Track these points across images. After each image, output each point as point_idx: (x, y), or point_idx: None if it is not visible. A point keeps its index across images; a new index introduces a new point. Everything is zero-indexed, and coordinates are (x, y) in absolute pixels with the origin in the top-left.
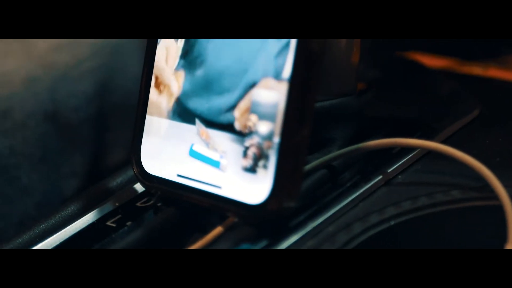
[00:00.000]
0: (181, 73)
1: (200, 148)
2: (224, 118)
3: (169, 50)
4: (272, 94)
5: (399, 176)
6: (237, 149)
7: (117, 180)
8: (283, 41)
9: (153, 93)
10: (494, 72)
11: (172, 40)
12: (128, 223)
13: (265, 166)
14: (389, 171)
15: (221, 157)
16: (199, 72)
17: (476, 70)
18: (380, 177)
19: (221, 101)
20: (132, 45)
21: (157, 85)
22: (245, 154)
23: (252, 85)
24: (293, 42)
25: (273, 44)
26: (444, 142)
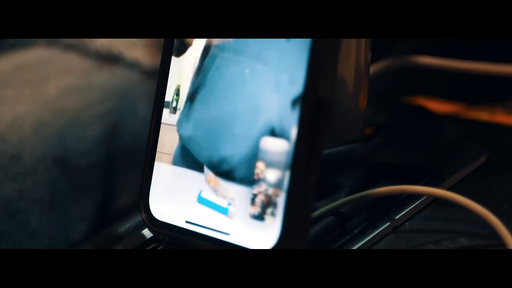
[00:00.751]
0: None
1: (208, 195)
2: (236, 168)
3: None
4: (280, 142)
5: (407, 223)
6: (245, 196)
7: (125, 226)
8: (291, 88)
9: None
10: (501, 118)
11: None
12: None
13: (273, 214)
14: (396, 217)
15: (229, 204)
16: (207, 119)
17: (483, 115)
18: (388, 223)
19: (233, 150)
20: (141, 89)
21: None
22: (253, 202)
23: (266, 132)
24: (301, 87)
25: (281, 92)
26: (451, 188)
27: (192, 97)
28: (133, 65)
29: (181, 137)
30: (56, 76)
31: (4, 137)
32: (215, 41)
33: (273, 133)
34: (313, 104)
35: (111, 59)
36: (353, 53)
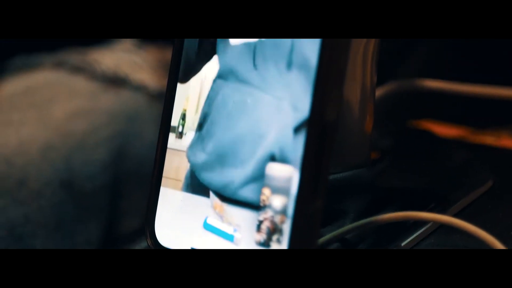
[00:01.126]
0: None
1: (214, 221)
2: (238, 192)
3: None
4: (285, 168)
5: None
6: (251, 222)
7: None
8: (296, 114)
9: None
10: (507, 142)
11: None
12: None
13: (278, 240)
14: (402, 244)
15: (235, 230)
16: (213, 144)
17: (489, 139)
18: None
19: (235, 174)
20: (147, 112)
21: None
22: (258, 228)
23: (267, 158)
24: (306, 113)
25: (285, 118)
26: (457, 215)
27: (199, 124)
28: (139, 87)
29: (190, 163)
30: (62, 99)
31: (10, 161)
32: (220, 69)
33: (278, 159)
34: (318, 129)
35: (117, 81)
36: (358, 75)
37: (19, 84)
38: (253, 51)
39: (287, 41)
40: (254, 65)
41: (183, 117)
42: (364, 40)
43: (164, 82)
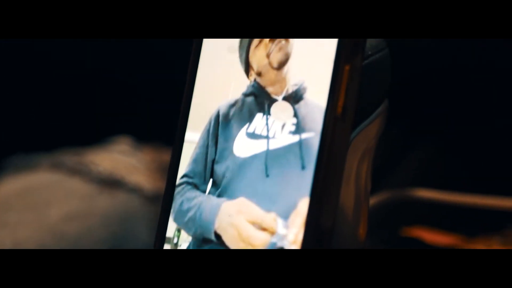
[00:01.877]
0: None
1: None
2: None
3: None
4: None
5: None
6: None
7: None
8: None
9: None
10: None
11: None
12: None
13: None
14: None
15: None
16: None
17: (480, 247)
18: None
19: None
20: (142, 214)
21: None
22: None
23: None
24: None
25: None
26: None
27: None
28: (134, 189)
29: None
30: (58, 201)
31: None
32: (223, 185)
33: None
34: (314, 236)
35: (112, 183)
36: (352, 180)
37: (16, 184)
38: (265, 161)
39: (296, 151)
40: (266, 174)
41: (179, 229)
42: (360, 151)
43: (160, 184)
